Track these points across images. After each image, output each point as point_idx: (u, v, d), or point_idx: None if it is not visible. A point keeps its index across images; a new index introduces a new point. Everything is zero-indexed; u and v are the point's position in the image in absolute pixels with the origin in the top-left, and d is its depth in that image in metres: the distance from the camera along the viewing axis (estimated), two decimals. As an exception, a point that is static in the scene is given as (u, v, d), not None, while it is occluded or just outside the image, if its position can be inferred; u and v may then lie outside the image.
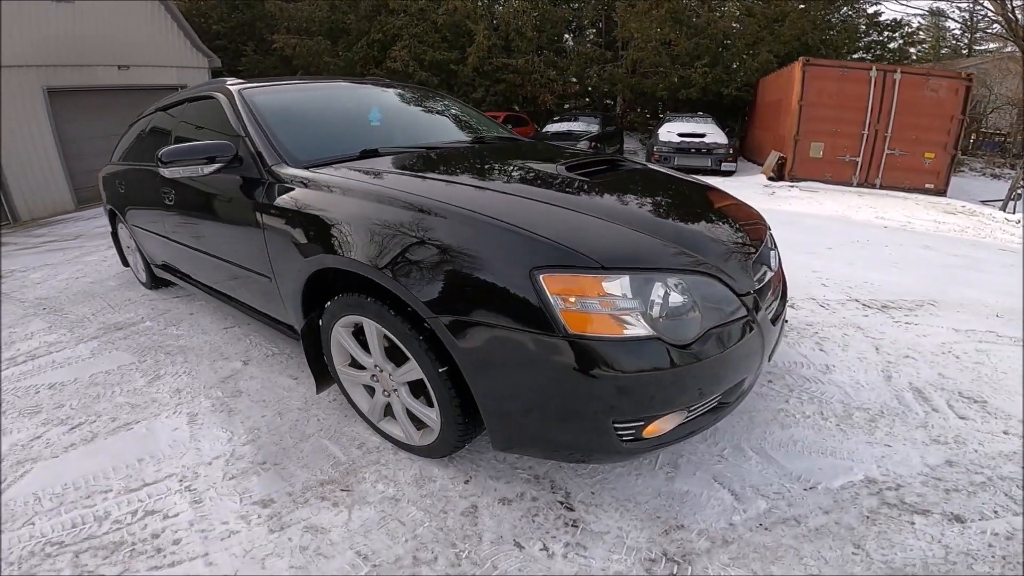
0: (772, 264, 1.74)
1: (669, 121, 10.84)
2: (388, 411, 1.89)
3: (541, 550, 1.44)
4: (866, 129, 7.99)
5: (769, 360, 1.68)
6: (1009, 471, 1.65)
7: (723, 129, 10.25)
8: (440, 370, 1.46)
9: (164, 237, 2.97)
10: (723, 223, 1.71)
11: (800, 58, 8.31)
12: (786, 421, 1.94)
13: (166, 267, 3.29)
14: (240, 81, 2.50)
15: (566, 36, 13.95)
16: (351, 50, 12.69)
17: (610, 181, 1.85)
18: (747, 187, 7.83)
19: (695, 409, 1.41)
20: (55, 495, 1.82)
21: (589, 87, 12.71)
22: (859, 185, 8.20)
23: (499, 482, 1.71)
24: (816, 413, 1.98)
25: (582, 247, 1.28)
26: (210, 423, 2.20)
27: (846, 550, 1.37)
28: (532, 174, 1.88)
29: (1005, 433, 1.85)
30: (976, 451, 1.75)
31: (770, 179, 8.69)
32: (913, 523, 1.45)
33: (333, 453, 1.93)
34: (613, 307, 1.25)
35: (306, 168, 1.90)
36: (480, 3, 13.03)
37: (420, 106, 2.94)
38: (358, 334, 1.77)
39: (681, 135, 9.95)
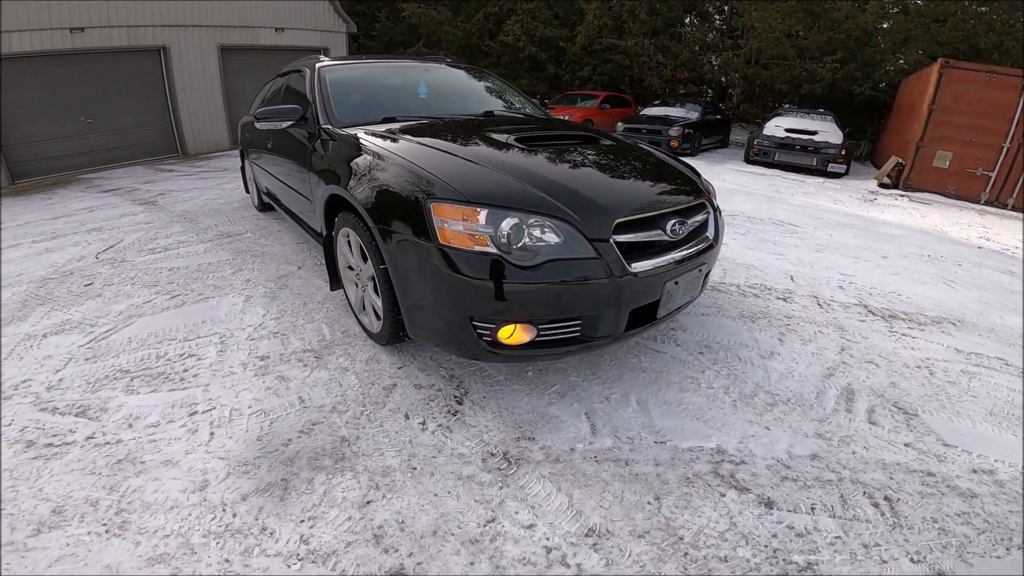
0: (675, 229, 1.92)
1: (781, 115, 10.04)
2: (364, 305, 2.44)
3: (419, 423, 1.88)
4: (1008, 142, 6.82)
5: (665, 317, 1.92)
6: (870, 479, 1.67)
7: (842, 129, 9.29)
8: (380, 267, 1.98)
9: (265, 170, 3.94)
10: (624, 186, 2.01)
11: (940, 59, 7.27)
12: (687, 387, 2.12)
13: (267, 193, 4.21)
14: (324, 59, 3.22)
15: (688, 20, 13.33)
16: (469, 21, 13.40)
17: (550, 148, 2.20)
18: (845, 191, 7.18)
19: (544, 331, 1.74)
20: (141, 339, 2.63)
21: (703, 74, 12.09)
22: (987, 203, 7.07)
23: (422, 373, 2.18)
24: (722, 388, 2.12)
25: (461, 187, 1.74)
26: (257, 304, 2.96)
27: (644, 498, 1.56)
28: (484, 140, 2.25)
29: (906, 446, 1.84)
30: (853, 454, 1.78)
31: (882, 186, 7.81)
32: (724, 496, 1.56)
33: (324, 333, 2.57)
34: (472, 230, 1.67)
35: (340, 127, 2.54)
36: None
37: (462, 83, 3.39)
38: (352, 244, 2.33)
39: (788, 130, 9.22)
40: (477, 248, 1.66)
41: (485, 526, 1.48)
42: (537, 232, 1.68)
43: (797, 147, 8.89)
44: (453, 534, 1.46)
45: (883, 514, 1.51)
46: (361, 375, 2.22)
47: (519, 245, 1.65)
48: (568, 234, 1.71)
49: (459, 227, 1.68)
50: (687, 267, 1.95)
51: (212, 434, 1.92)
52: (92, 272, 3.61)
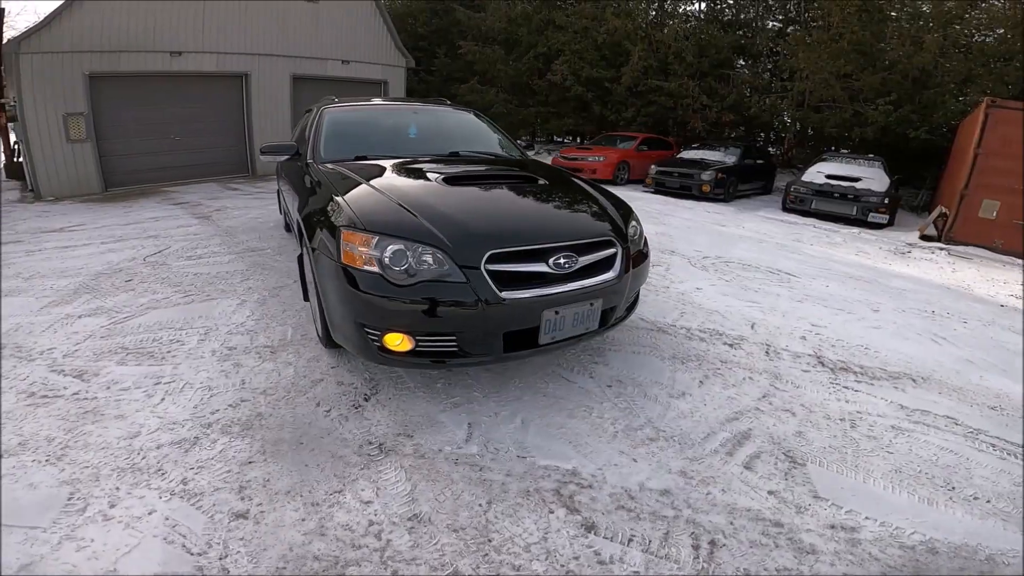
0: (561, 263, 2.10)
1: (825, 160, 9.74)
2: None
3: (324, 411, 2.18)
4: (1064, 195, 6.28)
5: (553, 345, 2.11)
6: (708, 520, 1.70)
7: (890, 177, 8.88)
8: (314, 281, 2.36)
9: (283, 195, 4.56)
10: (515, 220, 2.25)
11: (987, 98, 6.87)
12: (578, 414, 2.24)
13: (286, 214, 4.81)
14: (333, 102, 3.74)
15: (740, 63, 13.34)
16: (520, 60, 14.14)
17: (473, 185, 2.51)
18: (879, 243, 6.86)
19: (423, 342, 1.99)
20: (147, 326, 3.12)
21: (751, 117, 11.96)
22: (1038, 264, 6.47)
23: (349, 373, 2.49)
24: (611, 419, 2.22)
25: (366, 219, 2.07)
26: (247, 307, 3.40)
27: (478, 500, 1.71)
28: (416, 177, 2.59)
29: (769, 494, 1.84)
30: (707, 495, 1.79)
31: (925, 238, 7.35)
32: (552, 512, 1.66)
33: (287, 335, 2.97)
34: (365, 253, 2.00)
35: (320, 164, 2.98)
36: (643, 24, 13.24)
37: (447, 125, 3.77)
38: None
39: (829, 176, 8.94)
40: (366, 267, 1.99)
41: (331, 495, 1.72)
42: (416, 257, 1.97)
43: (836, 195, 8.59)
44: (301, 495, 1.71)
45: (698, 557, 1.54)
46: (299, 369, 2.56)
47: (400, 268, 1.96)
48: (442, 261, 1.97)
49: (357, 250, 2.01)
50: (572, 299, 2.11)
51: (162, 399, 2.30)
52: (135, 271, 4.25)
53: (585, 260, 2.20)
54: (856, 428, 2.30)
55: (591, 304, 2.19)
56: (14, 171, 10.07)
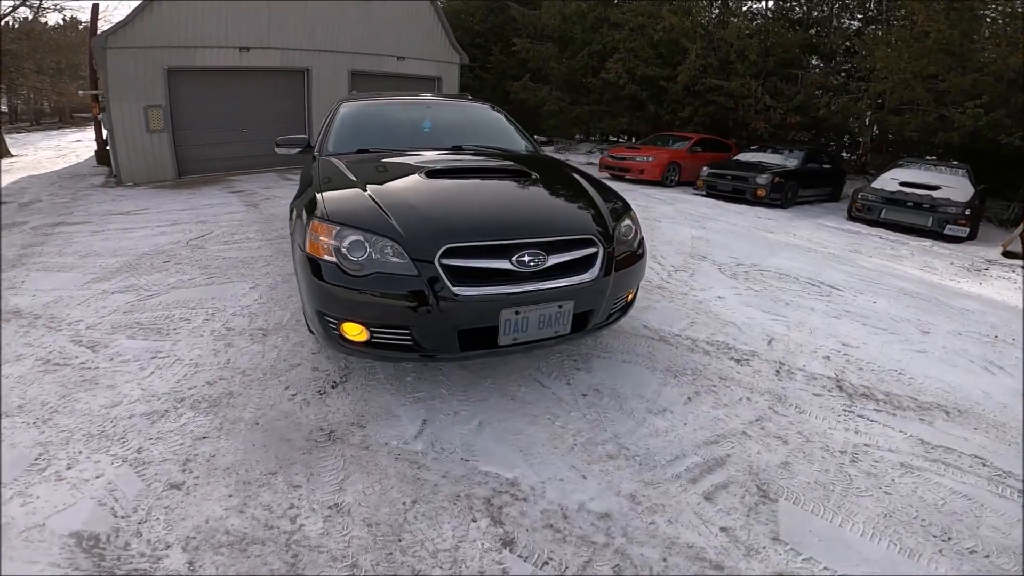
0: (525, 261, 2.00)
1: (902, 166, 8.84)
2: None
3: (291, 395, 2.25)
4: None
5: (515, 347, 2.02)
6: (639, 553, 1.58)
7: (975, 186, 7.92)
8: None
9: None
10: (483, 215, 2.18)
11: None
12: (540, 422, 2.12)
13: None
14: (350, 99, 3.81)
15: (814, 61, 12.37)
16: (574, 58, 13.88)
17: (454, 178, 2.46)
18: (951, 258, 6.12)
19: (377, 333, 1.97)
20: (166, 304, 3.32)
21: (820, 119, 11.05)
22: None
23: (327, 361, 2.54)
24: (575, 431, 2.08)
25: (331, 210, 2.08)
26: (257, 291, 3.59)
27: (404, 498, 1.67)
28: (397, 170, 2.56)
29: (721, 530, 1.67)
30: (649, 524, 1.64)
31: (1008, 255, 6.48)
32: (474, 521, 1.59)
33: (283, 319, 3.11)
34: (326, 243, 1.99)
35: (323, 156, 3.00)
36: (703, 21, 12.58)
37: (457, 119, 3.72)
38: None
39: (903, 184, 8.11)
40: (325, 257, 1.99)
41: (265, 476, 1.74)
42: (375, 249, 1.94)
43: (909, 204, 7.77)
44: (238, 473, 1.74)
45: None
46: (283, 353, 2.62)
47: (357, 258, 1.94)
48: (396, 253, 1.94)
49: (320, 240, 2.01)
50: (536, 300, 2.00)
51: (151, 373, 2.43)
52: (174, 253, 4.55)
53: (557, 259, 2.08)
54: (857, 463, 2.03)
55: (559, 306, 2.06)
56: (104, 158, 11.15)
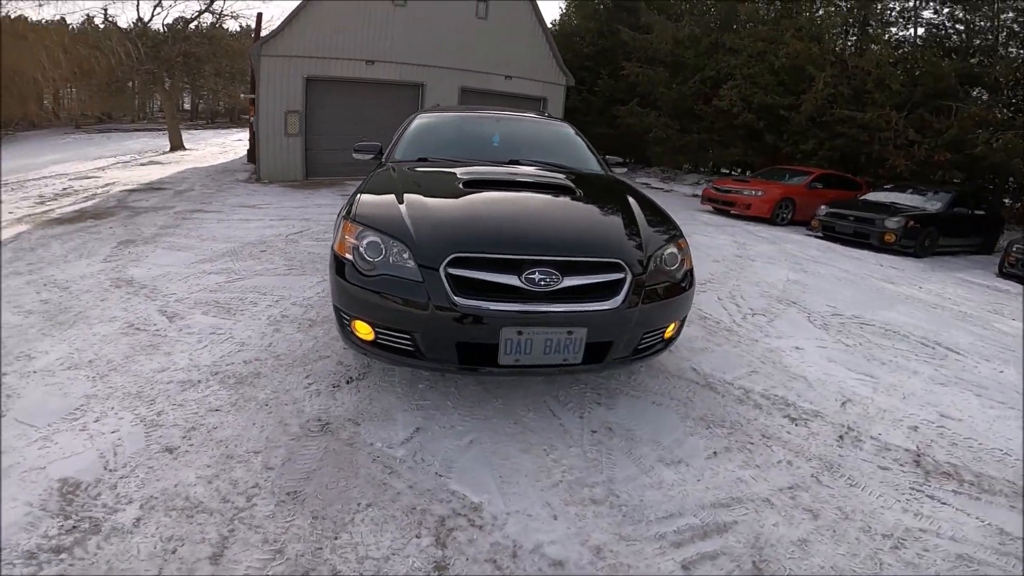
0: (535, 279, 1.90)
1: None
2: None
3: (307, 384, 2.39)
4: None
5: (517, 369, 1.93)
6: None
7: None
8: None
9: None
10: (502, 227, 2.11)
11: None
12: (535, 451, 1.98)
13: None
14: (427, 111, 3.98)
15: (974, 93, 10.57)
16: (685, 84, 13.29)
17: (490, 189, 2.43)
18: None
19: (381, 334, 1.98)
20: (245, 288, 3.71)
21: (975, 157, 9.34)
22: None
23: (352, 358, 2.63)
24: (568, 467, 1.91)
25: (359, 212, 2.16)
26: (323, 284, 3.87)
27: (361, 501, 1.64)
28: (443, 181, 2.56)
29: None
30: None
31: None
32: (417, 538, 1.51)
33: (331, 313, 3.24)
34: (348, 242, 2.07)
35: (386, 163, 3.13)
36: (835, 48, 11.35)
37: (530, 133, 3.70)
38: None
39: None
40: (345, 255, 2.06)
41: (248, 453, 1.82)
42: (391, 252, 1.97)
43: (1089, 266, 6.26)
44: (227, 446, 1.85)
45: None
46: (318, 344, 2.77)
47: (371, 259, 1.99)
48: (404, 256, 1.94)
49: (345, 239, 2.10)
50: (541, 322, 1.88)
51: (205, 346, 2.69)
52: (272, 244, 5.09)
53: (573, 281, 1.94)
54: (899, 550, 1.61)
55: (569, 332, 1.91)
56: (253, 156, 12.91)
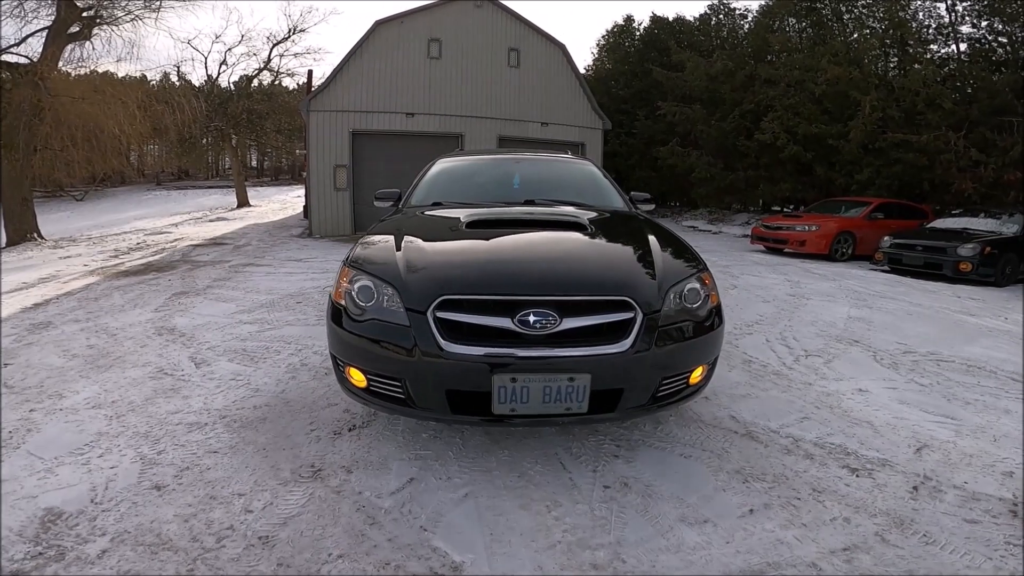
0: (529, 320, 1.76)
1: None
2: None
3: (310, 430, 2.32)
4: None
5: (515, 419, 1.80)
6: None
7: None
8: None
9: None
10: (495, 267, 2.01)
11: None
12: (534, 508, 1.78)
13: None
14: (449, 155, 4.05)
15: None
16: (725, 120, 13.03)
17: (492, 229, 2.36)
18: None
19: (373, 382, 1.90)
20: (273, 337, 3.78)
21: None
22: None
23: (360, 406, 2.51)
24: (569, 527, 1.68)
25: (354, 257, 2.14)
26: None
27: (333, 549, 1.52)
28: (447, 223, 2.53)
29: None
30: None
31: None
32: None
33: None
34: (343, 286, 2.04)
35: (401, 209, 3.15)
36: (875, 69, 10.82)
37: (549, 173, 3.65)
38: None
39: None
40: (339, 301, 2.02)
41: (231, 495, 1.79)
42: (379, 295, 1.91)
43: None
44: (213, 488, 1.83)
45: None
46: (330, 393, 2.71)
47: (363, 303, 1.93)
48: (393, 300, 1.87)
49: (341, 284, 2.07)
50: (537, 368, 1.73)
51: (221, 391, 2.76)
52: (308, 296, 5.23)
53: (574, 323, 1.78)
54: None
55: (571, 379, 1.73)
56: (308, 212, 13.73)
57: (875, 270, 8.11)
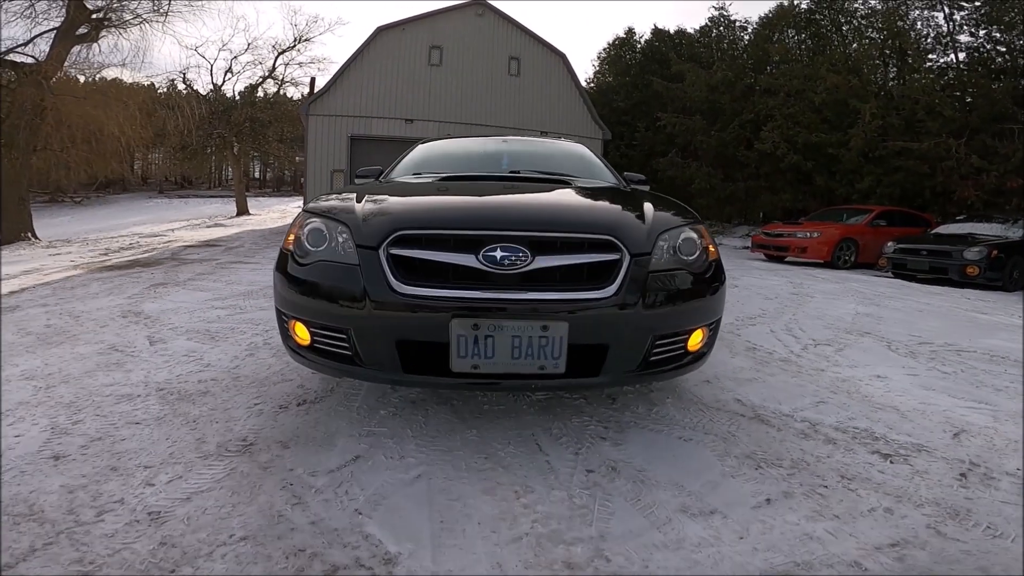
0: (495, 257, 1.50)
1: None
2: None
3: (252, 405, 2.02)
4: None
5: (475, 380, 1.52)
6: None
7: None
8: None
9: None
10: (470, 207, 1.79)
11: None
12: (502, 493, 1.47)
13: None
14: (430, 139, 3.81)
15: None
16: (724, 130, 12.91)
17: (470, 183, 2.18)
18: None
19: (317, 337, 1.64)
20: (242, 320, 3.53)
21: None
22: None
23: (319, 382, 2.29)
24: (544, 516, 1.39)
25: (311, 205, 1.90)
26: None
27: (237, 532, 1.24)
28: (420, 183, 2.32)
29: None
30: None
31: None
32: None
33: None
34: (293, 232, 1.80)
35: (383, 180, 2.90)
36: (874, 78, 10.73)
37: (543, 152, 3.41)
38: None
39: None
40: (287, 247, 1.78)
41: (138, 467, 1.53)
42: (331, 237, 1.66)
43: None
44: (119, 459, 1.57)
45: None
46: (288, 368, 2.45)
47: (311, 246, 1.69)
48: (344, 238, 1.63)
49: (291, 233, 1.81)
50: (503, 313, 1.45)
51: (169, 367, 2.46)
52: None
53: (548, 261, 1.51)
54: None
55: (544, 328, 1.45)
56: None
57: (879, 275, 7.89)
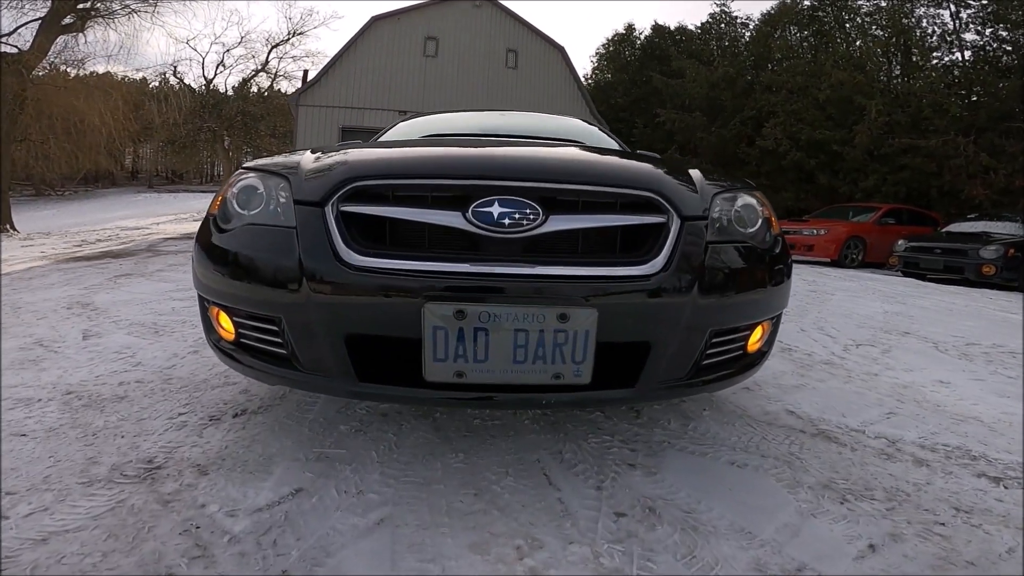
0: (490, 214, 1.06)
1: None
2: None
3: (177, 415, 1.59)
4: None
5: (457, 393, 1.10)
6: None
7: None
8: None
9: None
10: (457, 155, 1.36)
11: None
12: (500, 555, 1.05)
13: None
14: (415, 113, 3.42)
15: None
16: (725, 127, 12.58)
17: (459, 139, 1.89)
18: None
19: (243, 329, 1.23)
20: (194, 313, 3.03)
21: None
22: None
23: (268, 388, 1.83)
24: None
25: (249, 163, 1.43)
26: None
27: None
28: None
29: None
30: None
31: None
32: None
33: None
34: (222, 194, 1.36)
35: None
36: (880, 75, 10.46)
37: (542, 123, 3.03)
38: None
39: None
40: (212, 212, 1.31)
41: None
42: (268, 197, 1.20)
43: None
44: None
45: None
46: (233, 372, 1.93)
47: (242, 209, 1.23)
48: (281, 196, 1.18)
49: (220, 194, 1.35)
50: (504, 296, 1.01)
51: (90, 365, 2.04)
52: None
53: (568, 223, 1.08)
54: None
55: (562, 319, 1.01)
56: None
57: (888, 274, 7.57)
